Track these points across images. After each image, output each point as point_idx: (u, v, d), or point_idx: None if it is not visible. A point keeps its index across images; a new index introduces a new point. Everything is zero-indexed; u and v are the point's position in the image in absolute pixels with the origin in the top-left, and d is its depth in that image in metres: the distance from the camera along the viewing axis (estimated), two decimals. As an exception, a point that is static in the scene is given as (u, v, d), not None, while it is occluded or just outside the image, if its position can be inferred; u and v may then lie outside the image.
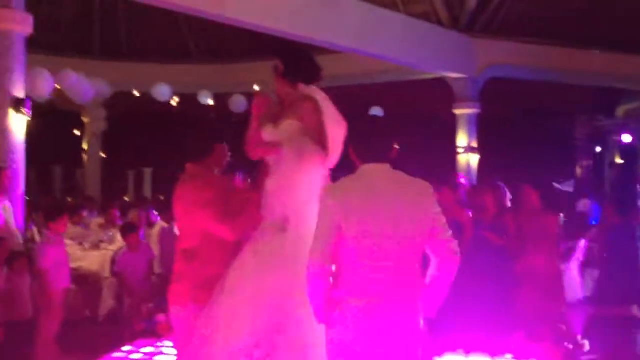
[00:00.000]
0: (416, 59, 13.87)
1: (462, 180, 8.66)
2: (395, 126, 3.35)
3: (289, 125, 3.80)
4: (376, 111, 15.66)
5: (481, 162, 15.55)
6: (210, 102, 16.50)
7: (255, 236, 3.78)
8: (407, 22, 13.91)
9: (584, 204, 13.71)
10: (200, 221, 3.74)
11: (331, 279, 3.21)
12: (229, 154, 4.03)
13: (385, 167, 3.27)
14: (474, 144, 15.43)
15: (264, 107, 3.96)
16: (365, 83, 16.57)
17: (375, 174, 3.24)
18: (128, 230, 8.11)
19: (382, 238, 3.12)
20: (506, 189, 7.40)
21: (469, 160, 15.38)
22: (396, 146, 3.32)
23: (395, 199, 3.18)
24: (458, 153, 15.42)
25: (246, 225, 3.76)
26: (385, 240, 3.12)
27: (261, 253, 3.71)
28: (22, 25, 8.50)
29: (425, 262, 3.30)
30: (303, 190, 3.79)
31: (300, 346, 3.54)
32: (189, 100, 16.66)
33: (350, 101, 16.13)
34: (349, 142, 3.36)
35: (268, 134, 3.85)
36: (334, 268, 3.21)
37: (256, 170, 4.01)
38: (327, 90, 3.93)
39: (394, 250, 3.14)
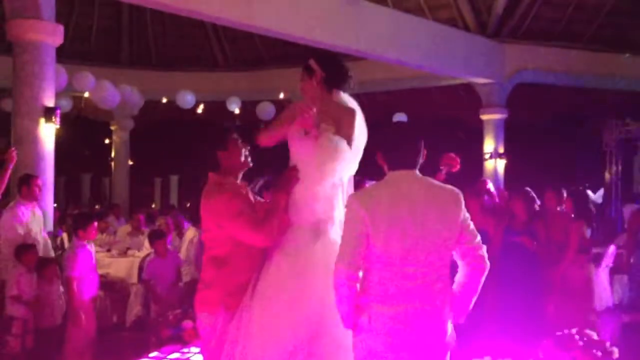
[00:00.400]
0: (443, 64, 13.83)
1: (490, 187, 8.56)
2: (422, 132, 3.33)
3: (322, 128, 3.78)
4: (400, 117, 15.65)
5: (508, 168, 15.44)
6: (237, 109, 16.60)
7: (287, 241, 3.77)
8: (434, 27, 13.87)
9: (631, 209, 13.42)
10: (233, 231, 3.73)
11: (358, 285, 3.20)
12: (246, 156, 3.97)
13: (414, 174, 3.26)
14: (501, 150, 15.34)
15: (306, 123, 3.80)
16: (392, 89, 16.57)
17: (404, 181, 3.23)
18: (156, 236, 8.15)
19: (410, 245, 3.11)
20: (534, 195, 7.35)
21: (495, 165, 15.29)
22: (424, 152, 3.31)
23: (424, 206, 3.17)
24: (485, 159, 15.33)
25: (276, 230, 3.75)
26: (413, 246, 3.11)
27: (296, 258, 3.68)
28: (53, 35, 8.63)
29: (453, 269, 3.28)
30: (335, 193, 3.77)
31: (340, 350, 3.51)
32: (216, 108, 16.78)
33: (377, 107, 16.18)
34: (377, 149, 3.34)
35: (298, 137, 3.83)
36: (360, 274, 3.20)
37: (281, 175, 3.98)
38: (354, 97, 3.93)
39: (422, 257, 3.12)
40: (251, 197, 4.00)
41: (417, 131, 3.33)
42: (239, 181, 3.97)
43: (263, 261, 3.80)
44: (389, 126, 3.43)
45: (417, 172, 3.27)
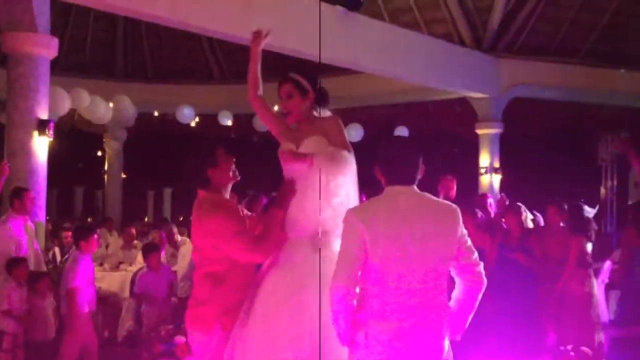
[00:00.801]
0: (439, 79, 13.84)
1: (490, 201, 8.54)
2: (421, 147, 3.29)
3: (312, 140, 3.75)
4: (401, 131, 15.64)
5: (504, 183, 15.42)
6: (229, 122, 16.56)
7: (285, 256, 3.72)
8: (430, 42, 13.90)
9: None
10: (229, 252, 3.68)
11: (354, 301, 3.15)
12: (234, 170, 3.93)
13: (412, 189, 3.22)
14: (497, 164, 15.33)
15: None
16: (388, 103, 16.57)
17: (402, 196, 3.19)
18: (149, 250, 8.09)
19: (407, 261, 3.07)
20: (526, 210, 7.35)
21: (491, 180, 15.27)
22: (422, 168, 3.27)
23: (421, 222, 3.13)
24: (481, 173, 15.32)
25: (273, 247, 3.70)
26: (410, 262, 3.07)
27: (294, 273, 3.63)
28: (48, 48, 8.59)
29: (450, 285, 3.24)
30: (334, 204, 3.73)
31: None
32: (211, 120, 16.75)
33: (373, 121, 16.09)
34: (375, 162, 3.30)
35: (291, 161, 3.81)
36: (357, 290, 3.15)
37: (277, 190, 3.95)
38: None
39: (420, 273, 3.09)
40: (241, 211, 3.96)
41: (415, 146, 3.30)
42: (227, 195, 3.95)
43: (258, 277, 3.75)
44: (387, 140, 3.39)
45: (415, 187, 3.23)
